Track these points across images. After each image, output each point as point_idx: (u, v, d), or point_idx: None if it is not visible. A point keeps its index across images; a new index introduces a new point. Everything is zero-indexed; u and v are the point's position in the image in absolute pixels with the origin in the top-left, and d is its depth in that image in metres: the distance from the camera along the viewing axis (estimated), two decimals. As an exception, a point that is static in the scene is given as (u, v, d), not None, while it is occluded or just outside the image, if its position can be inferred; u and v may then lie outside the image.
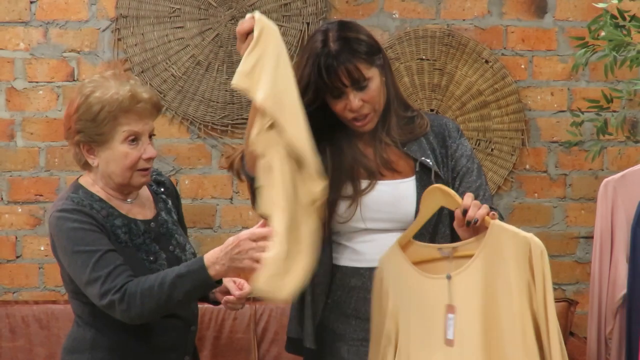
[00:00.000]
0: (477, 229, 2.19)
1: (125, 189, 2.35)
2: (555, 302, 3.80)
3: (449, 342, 2.19)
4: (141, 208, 2.40)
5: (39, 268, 3.80)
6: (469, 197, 2.21)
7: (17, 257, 3.79)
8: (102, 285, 2.16)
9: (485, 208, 2.19)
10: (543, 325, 2.16)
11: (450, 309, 2.20)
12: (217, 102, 3.84)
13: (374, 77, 2.32)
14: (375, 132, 2.38)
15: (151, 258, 2.31)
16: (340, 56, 2.28)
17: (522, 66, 3.92)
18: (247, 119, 3.79)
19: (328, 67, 2.28)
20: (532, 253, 2.16)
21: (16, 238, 3.79)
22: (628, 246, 2.59)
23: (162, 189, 2.50)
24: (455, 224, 2.24)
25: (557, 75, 3.92)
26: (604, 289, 2.64)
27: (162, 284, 2.14)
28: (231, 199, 3.88)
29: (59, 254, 2.28)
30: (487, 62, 3.87)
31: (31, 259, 3.81)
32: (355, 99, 2.30)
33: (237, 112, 3.85)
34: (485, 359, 2.16)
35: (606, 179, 2.67)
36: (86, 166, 2.34)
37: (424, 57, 3.86)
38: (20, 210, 3.76)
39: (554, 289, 3.93)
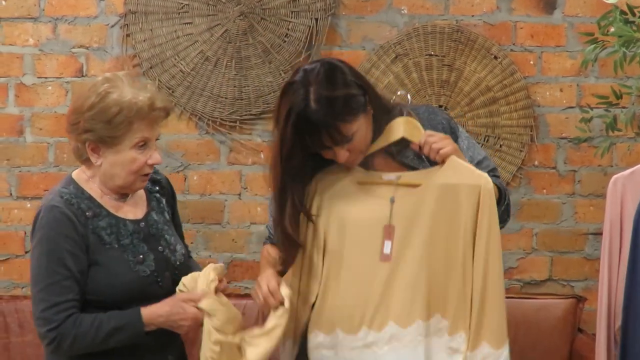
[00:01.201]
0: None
1: (123, 191, 2.35)
2: (564, 298, 3.85)
3: (386, 258, 2.24)
4: (132, 207, 2.39)
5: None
6: (428, 135, 2.25)
7: (26, 252, 3.80)
8: (44, 311, 2.22)
9: (441, 151, 2.23)
10: (481, 261, 2.23)
11: (389, 228, 2.24)
12: (226, 98, 3.83)
13: (359, 128, 2.22)
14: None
15: (139, 258, 2.31)
16: (322, 120, 2.17)
17: (531, 62, 3.91)
18: (255, 114, 3.82)
19: (310, 131, 2.18)
20: (482, 191, 2.23)
21: (25, 233, 3.79)
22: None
23: (157, 188, 2.49)
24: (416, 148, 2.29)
25: (566, 72, 3.91)
26: (613, 286, 2.64)
27: (98, 332, 2.21)
28: (239, 194, 3.88)
29: (32, 245, 2.30)
30: (496, 58, 3.85)
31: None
32: (341, 152, 2.24)
33: (246, 108, 3.84)
34: (421, 276, 2.22)
35: (615, 176, 2.67)
36: (86, 162, 2.33)
37: (432, 53, 3.85)
38: (29, 205, 3.77)
39: (562, 286, 3.94)
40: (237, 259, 3.89)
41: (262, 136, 3.86)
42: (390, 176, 2.29)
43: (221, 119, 3.85)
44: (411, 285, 2.24)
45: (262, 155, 3.85)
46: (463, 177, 2.25)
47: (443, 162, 2.25)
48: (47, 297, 2.21)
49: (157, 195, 2.48)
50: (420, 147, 2.27)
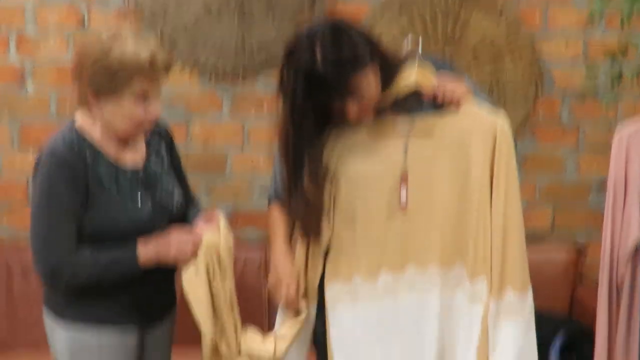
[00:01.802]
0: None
1: (122, 139, 2.39)
2: (566, 250, 3.86)
3: (402, 206, 2.24)
4: (132, 154, 2.43)
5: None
6: (441, 79, 2.24)
7: (29, 201, 3.81)
8: (43, 250, 2.29)
9: (454, 92, 2.22)
10: (501, 206, 2.21)
11: (404, 176, 2.24)
12: (228, 50, 3.81)
13: (368, 84, 2.20)
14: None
15: (136, 204, 2.37)
16: (330, 80, 2.15)
17: (537, 16, 3.87)
18: (258, 66, 3.80)
19: (319, 91, 2.16)
20: (498, 133, 2.20)
21: (27, 182, 3.80)
22: (640, 192, 2.59)
23: (157, 136, 2.53)
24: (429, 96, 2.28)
25: (572, 26, 3.88)
26: (616, 238, 2.64)
27: (94, 267, 2.29)
28: (242, 146, 3.87)
29: (33, 188, 2.36)
30: (501, 12, 3.82)
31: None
32: (351, 109, 2.22)
33: (248, 60, 3.82)
34: (438, 223, 2.23)
35: (620, 130, 2.65)
36: (89, 108, 2.36)
37: (437, 7, 3.81)
38: (31, 156, 3.75)
39: (565, 237, 3.95)
40: (239, 209, 3.90)
41: (265, 88, 3.84)
42: (404, 125, 2.27)
43: (224, 71, 3.83)
44: (429, 231, 2.24)
45: (264, 107, 3.84)
46: (478, 121, 2.23)
47: (457, 106, 2.23)
48: (46, 237, 2.28)
49: (157, 143, 2.52)
50: (434, 94, 2.24)
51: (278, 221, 2.44)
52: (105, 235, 2.32)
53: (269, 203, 2.51)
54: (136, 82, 2.27)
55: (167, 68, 2.36)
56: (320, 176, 2.28)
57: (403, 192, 2.24)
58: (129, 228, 2.34)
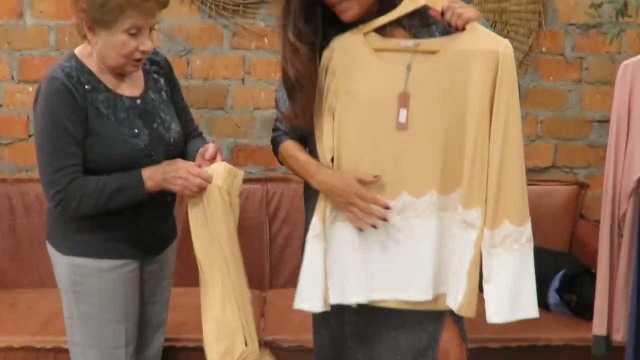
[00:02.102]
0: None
1: (116, 71, 2.42)
2: (567, 185, 3.87)
3: (401, 126, 2.21)
4: (130, 85, 2.46)
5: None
6: (452, 2, 2.19)
7: (30, 135, 3.80)
8: (51, 175, 2.33)
9: (463, 15, 2.17)
10: (500, 134, 2.16)
11: (405, 96, 2.21)
12: (229, -19, 3.76)
13: None
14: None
15: (133, 132, 2.40)
16: None
17: (541, -54, 3.82)
18: (259, -2, 3.76)
19: None
20: (501, 57, 2.16)
21: (28, 117, 3.79)
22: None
23: (155, 68, 2.55)
24: (437, 17, 2.23)
25: (577, -44, 3.83)
26: (619, 172, 2.63)
27: (102, 193, 2.33)
28: (243, 80, 3.85)
29: (34, 117, 2.38)
30: (505, -59, 3.76)
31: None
32: None
33: (249, -9, 3.78)
34: (436, 146, 2.20)
35: (625, 62, 2.63)
36: (87, 39, 2.39)
37: None
38: (31, 89, 3.74)
39: (566, 173, 3.96)
40: (241, 144, 3.89)
41: (266, 20, 3.80)
42: (408, 43, 2.22)
43: (224, 3, 3.78)
44: (426, 154, 2.21)
45: (265, 40, 3.81)
46: (482, 42, 2.18)
47: (464, 28, 2.19)
48: (52, 162, 2.31)
49: (155, 75, 2.55)
50: (442, 13, 2.20)
51: (297, 150, 2.37)
52: (103, 164, 2.36)
53: (278, 144, 2.43)
54: (128, 16, 2.29)
55: (163, 4, 2.36)
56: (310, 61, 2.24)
57: (403, 112, 2.21)
58: (126, 156, 2.37)
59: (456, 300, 2.22)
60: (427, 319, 2.33)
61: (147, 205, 2.43)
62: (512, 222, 2.19)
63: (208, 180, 2.36)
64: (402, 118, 2.20)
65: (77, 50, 2.42)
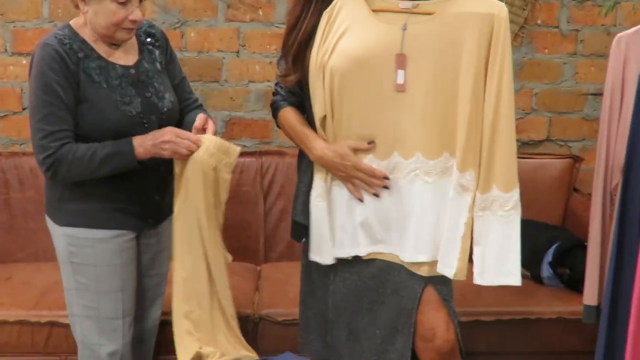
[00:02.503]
0: None
1: (108, 40, 2.44)
2: (561, 158, 3.88)
3: (400, 87, 2.23)
4: (124, 54, 2.48)
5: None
6: None
7: (24, 109, 3.79)
8: (42, 140, 2.35)
9: None
10: (492, 98, 2.20)
11: (402, 57, 2.22)
12: (223, -47, 3.74)
13: None
14: None
15: (126, 99, 2.42)
16: None
17: None
18: (253, -30, 3.74)
19: None
20: (495, 20, 2.18)
21: (22, 90, 3.77)
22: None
23: (150, 39, 2.57)
24: None
25: None
26: (611, 145, 2.63)
27: (92, 159, 2.34)
28: (237, 52, 3.83)
29: (29, 81, 2.41)
30: None
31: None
32: None
33: (243, -37, 3.75)
34: (429, 107, 2.22)
35: (619, 34, 2.62)
36: (79, 8, 2.42)
37: None
38: (24, 62, 3.72)
39: (560, 146, 3.96)
40: (235, 117, 3.88)
41: (260, -8, 3.78)
42: (406, 4, 2.24)
43: (218, -25, 3.77)
44: (419, 116, 2.23)
45: (260, 12, 3.79)
46: (478, 5, 2.20)
47: None
48: (44, 127, 2.34)
49: (150, 47, 2.56)
50: None
51: (295, 121, 2.41)
52: (96, 132, 2.37)
53: (277, 110, 2.46)
54: None
55: None
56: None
57: (400, 74, 2.22)
58: (118, 123, 2.39)
59: (452, 267, 2.26)
60: (406, 295, 2.35)
61: (140, 175, 2.45)
62: (499, 188, 2.23)
63: (197, 143, 2.38)
64: (400, 79, 2.23)
65: (72, 21, 2.46)
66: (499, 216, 2.24)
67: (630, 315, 2.19)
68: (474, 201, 2.25)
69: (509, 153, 2.23)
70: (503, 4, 2.22)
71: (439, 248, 2.28)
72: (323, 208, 2.33)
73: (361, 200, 2.30)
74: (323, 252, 2.36)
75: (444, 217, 2.27)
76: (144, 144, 2.38)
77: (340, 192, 2.33)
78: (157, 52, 2.56)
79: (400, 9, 2.25)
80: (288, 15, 2.38)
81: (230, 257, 2.57)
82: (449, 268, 2.27)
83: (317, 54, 2.27)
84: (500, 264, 2.26)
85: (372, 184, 2.28)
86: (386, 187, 2.28)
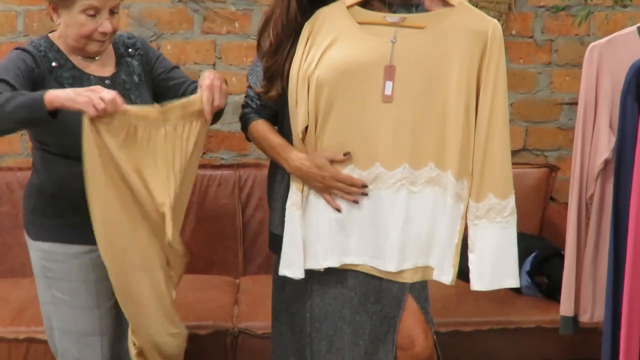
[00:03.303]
0: (444, 3, 2.23)
1: (80, 53, 2.42)
2: (537, 167, 3.90)
3: (387, 98, 2.23)
4: (100, 66, 2.46)
5: (21, 135, 3.78)
6: None
7: (-1, 123, 3.76)
8: None
9: None
10: (486, 111, 2.21)
11: (390, 69, 2.23)
12: (198, -35, 3.74)
13: None
14: None
15: None
16: None
17: None
18: (229, -18, 3.74)
19: None
20: (489, 38, 2.19)
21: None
22: (611, 111, 2.59)
23: (131, 50, 2.54)
24: None
25: (546, -62, 3.84)
26: (586, 154, 2.65)
27: (7, 102, 2.15)
28: (214, 64, 3.83)
29: None
30: None
31: (13, 126, 3.79)
32: None
33: (219, -24, 3.76)
34: (415, 119, 2.23)
35: (592, 44, 2.64)
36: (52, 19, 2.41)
37: None
38: (0, 76, 3.70)
39: (536, 155, 3.99)
40: (212, 129, 3.87)
41: (237, 4, 3.78)
42: (394, 17, 2.25)
43: (194, -13, 3.77)
44: (405, 128, 2.23)
45: (236, 25, 3.79)
46: (471, 22, 2.20)
47: (452, 4, 2.21)
48: None
49: (129, 59, 2.53)
50: None
51: (269, 133, 2.40)
52: (64, 139, 2.31)
53: (248, 122, 2.46)
54: None
55: None
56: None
57: (388, 85, 2.23)
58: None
59: (449, 274, 2.28)
60: (389, 303, 2.36)
61: None
62: (496, 196, 2.24)
63: (114, 103, 2.19)
64: (388, 90, 2.23)
65: (51, 34, 2.45)
66: (497, 223, 2.26)
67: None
68: (466, 209, 2.26)
69: (505, 161, 2.25)
70: (496, 21, 2.23)
71: (429, 255, 2.30)
72: (297, 217, 2.32)
73: (339, 210, 2.30)
74: (294, 263, 2.33)
75: (432, 225, 2.28)
76: (60, 94, 2.17)
77: (317, 203, 2.33)
78: (135, 64, 2.53)
79: (388, 22, 2.25)
80: (268, 40, 2.34)
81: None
82: (445, 275, 2.29)
83: (299, 66, 2.27)
84: (498, 269, 2.28)
85: (352, 192, 2.28)
86: (365, 194, 2.28)
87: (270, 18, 2.33)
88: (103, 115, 2.18)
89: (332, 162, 2.28)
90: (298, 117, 2.28)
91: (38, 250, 2.46)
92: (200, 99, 2.35)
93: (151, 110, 2.33)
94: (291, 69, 2.28)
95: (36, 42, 2.41)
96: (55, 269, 2.44)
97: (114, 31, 2.40)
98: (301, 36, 2.29)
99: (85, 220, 2.39)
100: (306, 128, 2.29)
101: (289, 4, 2.29)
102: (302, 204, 2.32)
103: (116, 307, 2.53)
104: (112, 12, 2.37)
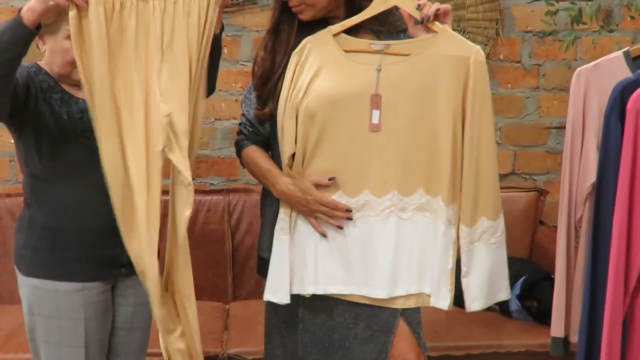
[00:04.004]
0: (427, 30, 2.25)
1: (66, 82, 2.38)
2: (526, 191, 3.91)
3: (375, 127, 2.24)
4: None
5: (10, 161, 3.78)
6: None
7: (-13, 150, 3.76)
8: None
9: (436, 7, 2.22)
10: (475, 137, 2.22)
11: (377, 97, 2.23)
12: (187, -8, 3.75)
13: None
14: (334, 22, 2.33)
15: (87, 133, 2.27)
16: None
17: (497, -46, 3.86)
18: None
19: None
20: (472, 63, 2.20)
21: (-14, 131, 3.75)
22: (599, 135, 2.60)
23: None
24: (406, 18, 2.29)
25: (532, -37, 3.87)
26: (574, 177, 2.66)
27: None
28: (203, 90, 3.84)
29: None
30: (462, -50, 3.80)
31: (2, 152, 3.78)
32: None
33: (208, 2, 3.76)
34: (403, 146, 2.23)
35: (579, 68, 2.66)
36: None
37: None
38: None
39: (525, 179, 4.00)
40: (202, 155, 3.88)
41: (226, 30, 3.75)
42: (379, 45, 2.26)
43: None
44: (393, 155, 2.24)
45: (225, 51, 3.80)
46: (454, 48, 2.21)
47: (436, 17, 2.22)
48: None
49: None
50: (419, 6, 2.23)
51: (259, 158, 2.42)
52: (54, 167, 2.32)
53: (241, 149, 2.46)
54: (66, 22, 2.19)
55: None
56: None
57: (375, 114, 2.23)
58: (76, 156, 2.32)
59: (446, 299, 2.26)
60: (380, 329, 2.35)
61: (107, 218, 2.25)
62: (489, 218, 2.26)
63: None
64: (375, 119, 2.24)
65: (40, 61, 2.41)
66: (492, 244, 2.28)
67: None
68: (457, 234, 2.27)
69: (495, 185, 2.27)
70: (479, 47, 2.24)
71: (422, 281, 2.29)
72: (285, 242, 2.31)
73: (324, 235, 2.30)
74: (280, 289, 2.32)
75: (423, 251, 2.28)
76: (28, 4, 2.07)
77: (305, 229, 2.33)
78: None
79: (373, 50, 2.26)
80: (259, 69, 2.38)
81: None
82: (443, 300, 2.27)
83: (288, 94, 2.28)
84: (492, 286, 2.30)
85: (336, 216, 2.28)
86: (349, 219, 2.28)
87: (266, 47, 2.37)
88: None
89: (318, 186, 2.28)
90: (285, 146, 2.30)
91: (27, 287, 2.40)
92: None
93: None
94: (280, 99, 2.30)
95: (27, 65, 2.36)
96: (44, 306, 2.38)
97: None
98: (289, 65, 2.31)
99: (77, 255, 2.36)
100: (294, 155, 2.30)
101: (274, 51, 2.33)
102: (290, 230, 2.32)
103: (117, 343, 2.51)
104: None
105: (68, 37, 2.25)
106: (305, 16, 2.33)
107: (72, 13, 2.08)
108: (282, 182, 2.31)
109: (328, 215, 2.28)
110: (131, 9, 2.13)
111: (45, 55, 2.37)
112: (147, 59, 2.16)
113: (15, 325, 3.13)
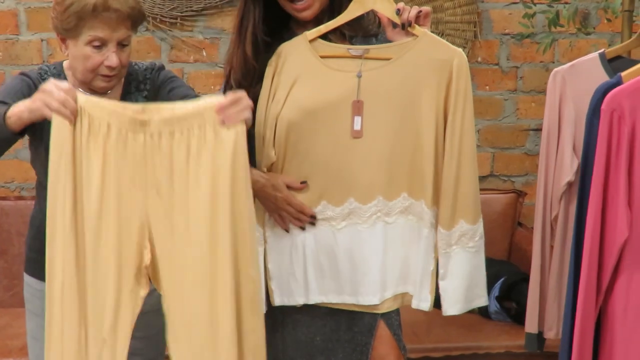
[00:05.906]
0: (407, 33, 2.22)
1: (87, 88, 2.31)
2: (505, 193, 3.92)
3: (357, 134, 2.22)
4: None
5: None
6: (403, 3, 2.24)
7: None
8: None
9: (416, 10, 2.21)
10: (456, 141, 2.20)
11: (359, 104, 2.21)
12: (166, -5, 3.75)
13: None
14: (319, 23, 2.30)
15: None
16: None
17: (475, -43, 3.88)
18: (196, 11, 3.75)
19: None
20: (454, 66, 2.18)
21: None
22: (575, 135, 2.62)
23: (138, 89, 2.40)
24: (385, 23, 2.27)
25: (511, -34, 3.89)
26: (550, 177, 2.68)
27: None
28: (182, 93, 3.83)
29: None
30: (440, -47, 3.81)
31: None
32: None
33: (186, 4, 3.77)
34: (386, 152, 2.22)
35: (556, 69, 2.67)
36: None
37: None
38: None
39: (503, 181, 4.01)
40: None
41: (204, 33, 3.79)
42: (357, 50, 2.23)
43: (161, 16, 3.77)
44: (376, 161, 2.22)
45: (204, 53, 3.80)
46: (436, 51, 2.20)
47: (417, 20, 2.20)
48: None
49: (136, 94, 2.38)
50: (399, 11, 2.21)
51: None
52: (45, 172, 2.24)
53: None
54: (89, 27, 2.20)
55: (128, 16, 2.24)
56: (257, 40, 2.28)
57: (357, 120, 2.21)
58: None
59: (427, 301, 2.26)
60: (360, 330, 2.35)
61: None
62: (467, 221, 2.24)
63: (74, 99, 2.00)
64: (357, 126, 2.21)
65: (65, 62, 2.36)
66: (470, 248, 2.26)
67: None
68: (436, 237, 2.26)
69: (475, 188, 2.25)
70: (461, 50, 2.23)
71: (406, 281, 2.28)
72: (259, 253, 2.27)
73: (287, 230, 2.28)
74: None
75: (406, 252, 2.27)
76: (20, 105, 2.04)
77: (289, 239, 2.30)
78: (143, 97, 2.38)
79: (352, 55, 2.23)
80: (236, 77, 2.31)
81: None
82: (424, 302, 2.27)
83: (266, 106, 2.26)
84: (470, 291, 2.28)
85: (300, 219, 2.26)
86: (313, 224, 2.27)
87: (230, 71, 2.30)
88: (67, 115, 2.00)
89: (289, 188, 2.26)
90: (264, 157, 2.27)
91: (25, 282, 2.40)
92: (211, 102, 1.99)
93: (128, 106, 2.04)
94: (258, 109, 2.25)
95: (45, 68, 2.32)
96: (32, 303, 2.38)
97: (122, 66, 2.27)
98: (265, 76, 2.27)
99: None
100: (272, 165, 2.28)
101: (244, 54, 2.26)
102: (263, 239, 2.30)
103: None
104: (122, 44, 2.25)
105: (89, 42, 2.21)
106: (306, 14, 2.27)
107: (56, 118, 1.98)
108: (256, 172, 2.24)
109: (292, 217, 2.26)
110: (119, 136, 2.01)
111: (69, 60, 2.30)
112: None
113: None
